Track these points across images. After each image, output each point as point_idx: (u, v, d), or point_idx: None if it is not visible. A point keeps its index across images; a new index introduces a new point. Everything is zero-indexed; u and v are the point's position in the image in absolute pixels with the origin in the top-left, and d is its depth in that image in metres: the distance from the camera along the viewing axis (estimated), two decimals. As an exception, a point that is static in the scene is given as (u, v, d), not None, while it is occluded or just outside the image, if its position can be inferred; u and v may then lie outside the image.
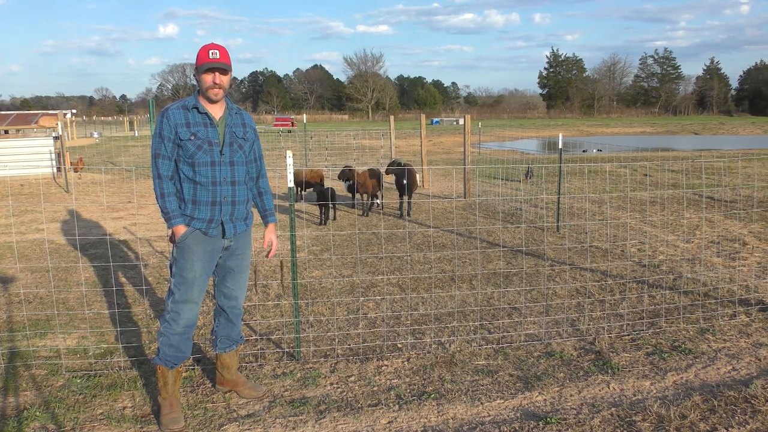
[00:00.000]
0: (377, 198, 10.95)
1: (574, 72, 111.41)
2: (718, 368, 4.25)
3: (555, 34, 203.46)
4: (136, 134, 43.52)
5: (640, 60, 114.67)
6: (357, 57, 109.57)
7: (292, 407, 3.77)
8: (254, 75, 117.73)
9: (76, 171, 17.09)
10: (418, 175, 11.36)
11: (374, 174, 10.55)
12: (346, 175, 10.37)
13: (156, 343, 4.16)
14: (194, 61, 3.51)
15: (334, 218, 10.21)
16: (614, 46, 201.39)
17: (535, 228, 9.21)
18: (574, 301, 5.72)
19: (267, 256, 3.88)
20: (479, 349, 4.65)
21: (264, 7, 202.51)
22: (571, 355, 4.53)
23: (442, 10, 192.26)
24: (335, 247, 8.15)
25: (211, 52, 3.42)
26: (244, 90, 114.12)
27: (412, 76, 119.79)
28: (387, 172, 11.03)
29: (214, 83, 3.42)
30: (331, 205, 9.97)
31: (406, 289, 6.19)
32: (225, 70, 3.45)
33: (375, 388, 4.03)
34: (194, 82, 3.57)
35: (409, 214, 10.55)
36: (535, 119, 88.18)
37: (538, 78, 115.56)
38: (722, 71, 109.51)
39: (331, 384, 4.10)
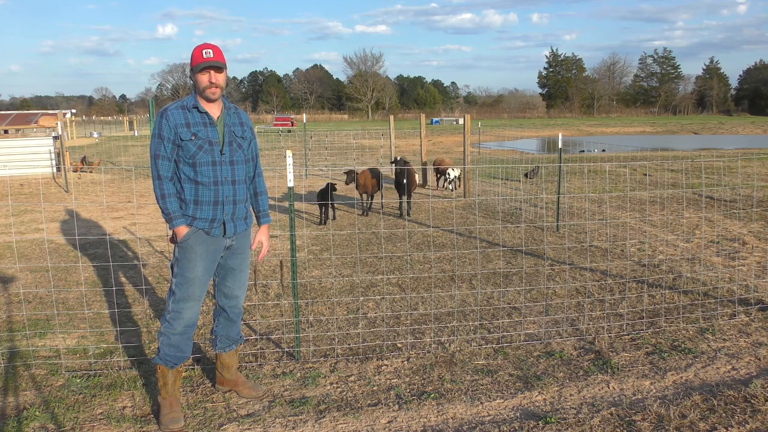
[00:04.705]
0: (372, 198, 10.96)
1: (573, 72, 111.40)
2: (718, 368, 4.26)
3: (553, 33, 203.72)
4: (136, 134, 43.53)
5: (639, 60, 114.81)
6: (357, 57, 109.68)
7: (291, 407, 3.78)
8: (254, 75, 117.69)
9: (75, 171, 17.14)
10: (417, 174, 11.39)
11: (374, 174, 10.55)
12: (351, 176, 10.37)
13: (156, 343, 4.17)
14: (189, 62, 3.52)
15: (334, 218, 10.22)
16: (612, 46, 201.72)
17: (534, 228, 9.21)
18: (574, 301, 5.72)
19: (258, 258, 3.89)
20: (479, 348, 4.65)
21: (262, 8, 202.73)
22: (571, 354, 4.54)
23: (440, 10, 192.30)
24: (335, 246, 8.16)
25: (204, 51, 3.43)
26: (243, 90, 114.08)
27: (411, 76, 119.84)
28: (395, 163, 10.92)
29: (211, 82, 3.43)
30: (330, 205, 9.97)
31: (406, 288, 6.19)
32: (220, 68, 3.45)
33: (375, 388, 4.04)
34: (192, 82, 3.57)
35: (408, 214, 10.55)
36: (534, 119, 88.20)
37: (538, 78, 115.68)
38: (722, 71, 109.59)
39: (331, 384, 4.10)
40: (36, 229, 9.68)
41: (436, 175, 14.27)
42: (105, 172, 17.85)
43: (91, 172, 17.69)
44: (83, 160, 18.14)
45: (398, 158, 10.69)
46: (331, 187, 9.67)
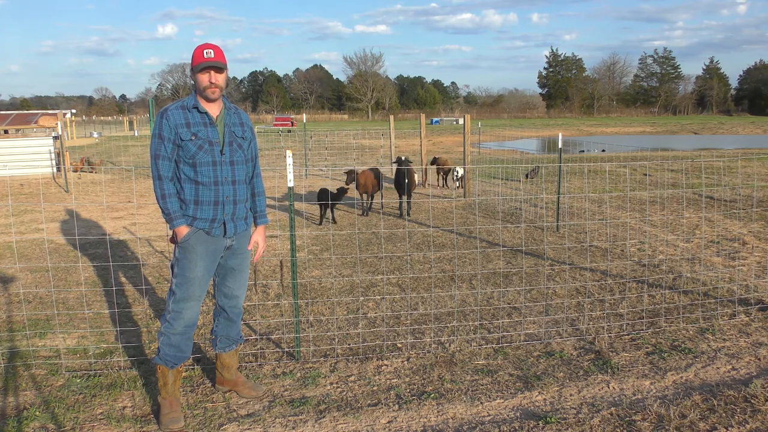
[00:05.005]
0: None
1: (573, 72, 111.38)
2: (718, 368, 4.26)
3: (553, 33, 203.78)
4: (136, 134, 43.55)
5: (639, 60, 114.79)
6: (357, 57, 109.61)
7: (291, 407, 3.78)
8: (254, 75, 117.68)
9: (75, 171, 17.15)
10: (417, 174, 11.41)
11: (374, 174, 10.55)
12: (351, 176, 10.39)
13: (156, 343, 4.17)
14: (190, 62, 3.53)
15: (334, 221, 10.20)
16: (612, 46, 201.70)
17: (534, 228, 9.21)
18: (574, 301, 5.72)
19: (254, 258, 3.88)
20: (479, 348, 4.65)
21: (262, 8, 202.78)
22: (571, 354, 4.54)
23: (440, 10, 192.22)
24: (335, 246, 8.16)
25: (205, 51, 3.43)
26: (243, 90, 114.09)
27: (411, 76, 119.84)
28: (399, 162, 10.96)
29: (211, 82, 3.43)
30: (329, 206, 10.00)
31: (406, 288, 6.19)
32: (220, 68, 3.45)
33: (375, 388, 4.04)
34: (193, 82, 3.57)
35: (408, 214, 10.55)
36: (534, 119, 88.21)
37: (538, 78, 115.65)
38: (722, 71, 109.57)
39: (331, 384, 4.10)
40: (36, 229, 9.68)
41: (441, 174, 14.33)
42: (105, 172, 17.86)
43: (93, 172, 17.72)
44: (86, 161, 18.21)
45: (403, 158, 10.70)
46: (342, 191, 9.79)
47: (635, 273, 6.63)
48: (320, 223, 9.84)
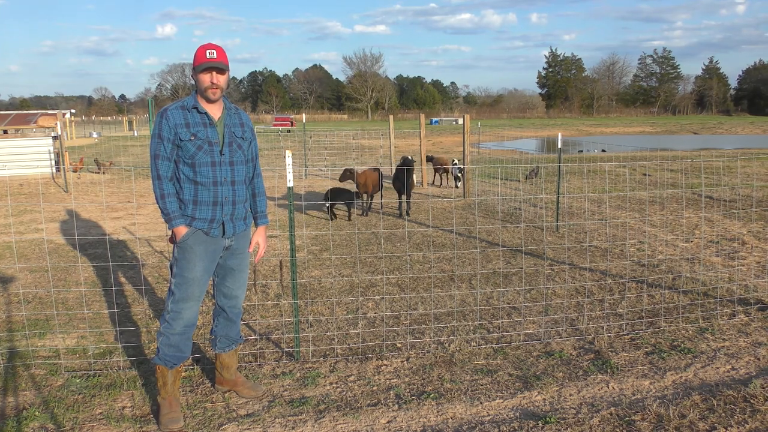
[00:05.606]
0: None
1: (573, 72, 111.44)
2: (717, 368, 4.26)
3: (552, 33, 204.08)
4: (135, 134, 43.54)
5: (638, 60, 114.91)
6: (356, 57, 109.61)
7: (291, 407, 3.78)
8: (253, 75, 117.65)
9: (74, 171, 17.15)
10: (416, 175, 11.43)
11: (374, 173, 10.56)
12: (346, 174, 10.42)
13: (155, 343, 4.17)
14: (192, 61, 3.52)
15: (333, 218, 10.22)
16: (611, 46, 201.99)
17: (534, 228, 9.22)
18: (574, 301, 5.73)
19: (255, 259, 3.88)
20: (478, 348, 4.65)
21: (261, 8, 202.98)
22: (571, 354, 4.54)
23: (439, 10, 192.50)
24: (335, 246, 8.16)
25: (208, 51, 3.42)
26: (243, 90, 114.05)
27: (411, 76, 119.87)
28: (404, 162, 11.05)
29: (212, 83, 3.42)
30: (333, 206, 10.10)
31: (406, 288, 6.19)
32: (222, 69, 3.45)
33: (374, 388, 4.04)
34: (193, 81, 3.56)
35: (408, 214, 10.55)
36: (534, 119, 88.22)
37: (537, 78, 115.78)
38: (721, 71, 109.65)
39: (331, 384, 4.10)
40: (35, 229, 9.67)
41: (439, 173, 14.34)
42: (104, 171, 17.86)
43: (100, 172, 17.72)
44: (95, 161, 18.28)
45: (409, 158, 10.74)
46: (356, 195, 10.05)
47: (635, 273, 6.63)
48: (331, 219, 10.03)
